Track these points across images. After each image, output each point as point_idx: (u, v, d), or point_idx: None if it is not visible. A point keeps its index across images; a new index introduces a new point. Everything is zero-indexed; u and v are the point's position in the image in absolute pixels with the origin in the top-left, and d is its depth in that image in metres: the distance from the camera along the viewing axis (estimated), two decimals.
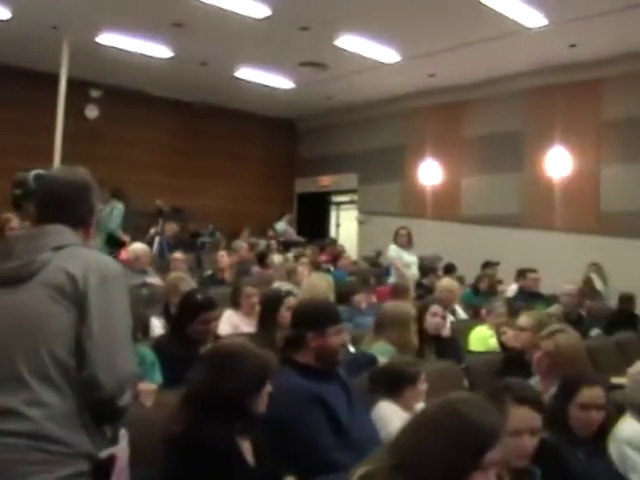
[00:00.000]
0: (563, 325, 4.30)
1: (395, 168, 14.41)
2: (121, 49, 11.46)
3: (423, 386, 3.53)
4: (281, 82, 13.55)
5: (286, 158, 17.18)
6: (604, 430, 3.20)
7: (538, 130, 12.11)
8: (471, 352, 5.59)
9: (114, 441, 2.38)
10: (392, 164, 14.43)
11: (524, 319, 4.78)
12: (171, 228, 10.46)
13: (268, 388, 2.67)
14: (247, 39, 10.88)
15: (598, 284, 10.32)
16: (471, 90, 12.97)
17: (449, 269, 10.53)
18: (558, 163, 11.82)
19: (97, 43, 11.18)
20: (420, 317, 4.93)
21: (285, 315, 4.34)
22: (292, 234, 14.59)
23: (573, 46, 10.73)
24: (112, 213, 10.15)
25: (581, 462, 2.98)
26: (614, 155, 11.18)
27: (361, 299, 6.58)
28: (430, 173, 13.86)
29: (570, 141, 11.68)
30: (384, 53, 11.45)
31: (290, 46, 11.25)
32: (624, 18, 9.32)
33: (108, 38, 11.09)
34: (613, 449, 3.39)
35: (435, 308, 5.15)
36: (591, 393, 3.09)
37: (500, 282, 9.38)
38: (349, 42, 10.92)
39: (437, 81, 12.97)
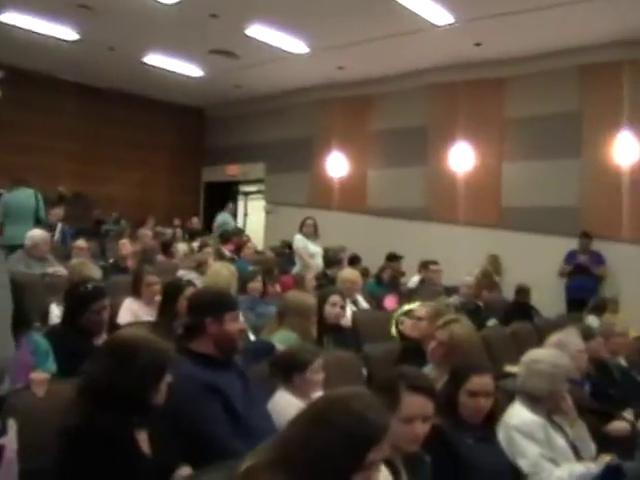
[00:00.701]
0: (458, 315, 4.42)
1: (302, 159, 14.45)
2: (25, 29, 11.06)
3: (317, 375, 3.55)
4: (191, 70, 13.40)
5: (194, 146, 16.99)
6: (493, 417, 3.32)
7: (443, 125, 12.35)
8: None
9: (2, 432, 2.33)
10: (300, 155, 14.47)
11: (421, 309, 4.89)
12: (55, 214, 10.10)
13: (167, 379, 2.64)
14: (156, 25, 10.69)
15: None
16: (379, 84, 13.11)
17: (353, 260, 10.64)
18: (462, 158, 12.09)
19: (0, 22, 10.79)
20: (320, 307, 4.99)
21: (184, 304, 4.31)
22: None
23: (478, 45, 10.98)
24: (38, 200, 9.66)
25: (469, 447, 3.08)
26: (515, 152, 11.53)
27: (255, 287, 6.56)
28: (337, 165, 13.96)
29: (474, 137, 11.97)
30: (294, 44, 11.45)
31: (200, 33, 11.11)
32: (529, 19, 9.60)
33: (11, 17, 10.69)
34: (502, 435, 3.52)
35: (334, 298, 5.22)
36: (480, 381, 3.19)
37: (403, 274, 9.55)
38: (259, 32, 10.87)
39: (346, 74, 13.06)
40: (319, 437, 1.77)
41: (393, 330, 5.52)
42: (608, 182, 10.49)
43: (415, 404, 2.59)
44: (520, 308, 8.44)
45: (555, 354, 3.82)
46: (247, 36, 10.98)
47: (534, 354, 3.78)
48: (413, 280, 9.53)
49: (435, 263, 9.33)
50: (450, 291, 8.56)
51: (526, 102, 11.47)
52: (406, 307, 5.44)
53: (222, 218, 13.68)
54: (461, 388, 3.18)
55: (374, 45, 11.05)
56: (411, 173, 12.65)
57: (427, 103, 12.61)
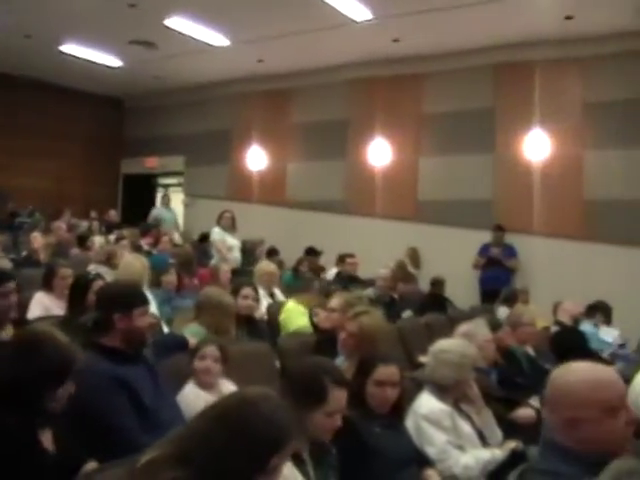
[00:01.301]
0: (368, 307, 4.49)
1: (222, 152, 14.36)
2: None
3: (203, 362, 3.56)
4: (109, 60, 13.13)
5: (112, 138, 16.64)
6: (400, 406, 3.39)
7: (362, 120, 12.46)
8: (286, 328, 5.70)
9: None
10: (219, 148, 14.38)
11: (334, 300, 4.96)
12: None
13: (69, 388, 2.55)
14: (75, 13, 10.42)
15: (411, 268, 10.86)
16: (299, 78, 13.13)
17: (271, 253, 10.68)
18: (380, 153, 12.22)
19: None
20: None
21: (93, 299, 4.25)
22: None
23: (396, 41, 11.11)
24: None
25: (377, 436, 3.15)
26: (432, 147, 11.71)
27: (170, 280, 6.51)
28: (256, 158, 13.92)
29: (392, 132, 12.10)
30: (214, 36, 11.34)
31: (119, 23, 10.89)
32: (446, 17, 9.76)
33: None
34: (411, 423, 3.60)
35: (246, 291, 5.26)
36: (386, 371, 3.26)
37: (322, 269, 9.62)
38: (178, 23, 10.73)
39: (265, 67, 13.03)
40: (223, 437, 1.76)
41: (306, 321, 5.59)
42: (520, 177, 10.81)
43: (340, 399, 2.67)
44: (435, 300, 8.61)
45: (462, 344, 3.92)
46: (167, 27, 10.83)
47: (442, 344, 3.87)
48: (330, 273, 9.62)
49: (352, 256, 9.44)
50: (367, 283, 8.66)
51: (443, 98, 11.67)
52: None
53: (156, 212, 13.38)
54: (368, 378, 3.25)
55: (294, 39, 11.06)
56: (330, 167, 12.73)
57: (346, 98, 12.70)
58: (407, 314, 7.83)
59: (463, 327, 4.66)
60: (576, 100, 10.51)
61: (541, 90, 10.78)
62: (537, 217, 10.63)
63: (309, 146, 13.08)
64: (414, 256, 11.18)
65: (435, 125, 11.66)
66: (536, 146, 10.69)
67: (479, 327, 4.76)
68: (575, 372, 2.17)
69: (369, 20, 10.15)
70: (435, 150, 11.64)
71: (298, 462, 2.50)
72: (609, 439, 2.04)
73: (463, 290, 10.14)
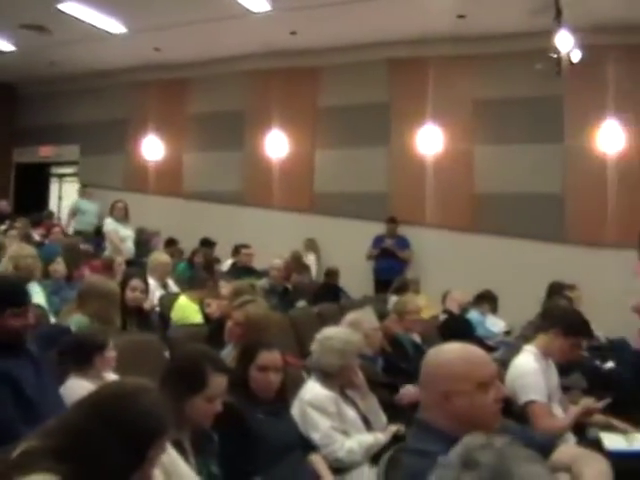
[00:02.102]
0: (254, 296, 4.54)
1: (118, 141, 14.07)
2: None
3: (111, 353, 3.55)
4: (0, 44, 12.66)
5: (4, 125, 16.04)
6: (284, 392, 3.46)
7: (259, 112, 12.48)
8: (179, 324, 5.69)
9: None
10: (115, 137, 14.07)
11: (224, 289, 4.99)
12: None
13: None
14: None
15: (311, 259, 11.02)
16: (196, 68, 13.01)
17: (170, 243, 10.60)
18: (276, 145, 12.29)
19: None
20: (122, 291, 4.96)
21: None
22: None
23: (294, 33, 11.17)
24: None
25: (260, 421, 3.20)
26: (327, 140, 11.88)
27: (56, 270, 6.39)
28: (153, 148, 13.73)
29: (288, 124, 12.20)
30: (110, 23, 11.11)
31: (10, 6, 10.51)
32: (342, 11, 9.91)
33: None
34: (297, 410, 3.68)
35: (134, 282, 5.22)
36: (269, 356, 3.32)
37: (217, 261, 9.62)
38: (73, 8, 10.44)
39: (163, 56, 12.84)
40: (97, 429, 1.75)
41: (200, 318, 5.60)
42: (413, 171, 11.13)
43: (220, 384, 2.71)
44: (328, 290, 8.76)
45: (346, 331, 4.03)
46: (60, 11, 10.52)
47: (327, 332, 3.96)
48: (226, 264, 9.63)
49: (247, 247, 9.48)
50: (263, 274, 8.72)
51: (338, 92, 11.84)
52: None
53: (76, 204, 12.55)
54: (251, 364, 3.30)
55: (191, 28, 10.95)
56: (227, 158, 12.69)
57: (243, 89, 12.69)
58: (301, 304, 7.93)
59: (351, 315, 4.77)
60: (467, 97, 10.88)
61: (434, 86, 11.11)
62: (429, 209, 10.98)
63: (206, 137, 13.00)
64: (313, 247, 11.33)
65: (331, 118, 11.82)
66: (429, 140, 11.02)
67: (366, 315, 4.89)
68: (450, 349, 2.30)
69: (267, 11, 10.19)
70: (331, 143, 11.80)
71: (179, 450, 2.53)
72: (480, 414, 2.16)
73: (358, 280, 10.36)
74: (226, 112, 12.74)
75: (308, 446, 3.50)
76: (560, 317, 4.16)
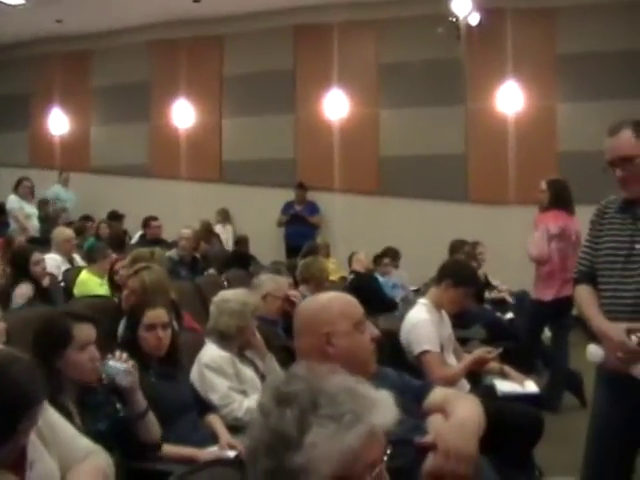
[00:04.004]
0: (149, 263, 4.54)
1: (21, 116, 13.56)
2: None
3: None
4: None
5: None
6: (175, 353, 3.50)
7: (165, 82, 12.29)
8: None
9: None
10: (18, 112, 13.56)
11: (127, 259, 4.98)
12: None
13: None
14: None
15: (228, 229, 11.03)
16: (99, 39, 12.66)
17: (114, 216, 10.47)
18: (183, 115, 12.15)
19: None
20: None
21: None
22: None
23: (197, 1, 11.03)
24: None
25: (152, 385, 3.23)
26: (234, 108, 11.81)
27: None
28: (58, 123, 13.38)
29: (194, 94, 12.06)
30: None
31: None
32: None
33: None
34: (195, 372, 3.73)
35: (36, 257, 5.16)
36: (155, 314, 3.37)
37: (124, 232, 9.53)
38: None
39: (65, 28, 12.42)
40: None
41: (106, 290, 5.56)
42: (320, 136, 11.21)
43: (86, 331, 2.76)
44: (239, 257, 8.80)
45: (243, 293, 4.07)
46: None
47: (223, 294, 4.00)
48: (135, 237, 9.56)
49: (155, 219, 9.41)
50: (172, 245, 8.68)
51: (244, 60, 11.73)
52: None
53: (54, 191, 11.82)
54: (139, 324, 3.34)
55: None
56: (133, 130, 12.46)
57: (148, 60, 12.45)
58: (211, 272, 7.95)
59: (253, 280, 4.82)
60: (371, 61, 11.00)
61: (339, 52, 11.14)
62: (337, 174, 11.09)
63: (112, 109, 12.70)
64: (227, 217, 11.34)
65: (237, 86, 11.74)
66: (335, 106, 11.10)
67: (270, 280, 4.94)
68: (322, 296, 2.41)
69: None
70: (238, 111, 11.74)
71: (64, 414, 2.54)
72: (360, 353, 2.26)
73: (269, 247, 10.45)
74: (131, 83, 12.46)
75: (207, 407, 3.55)
76: (449, 270, 4.30)
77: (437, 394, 2.41)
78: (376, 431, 1.33)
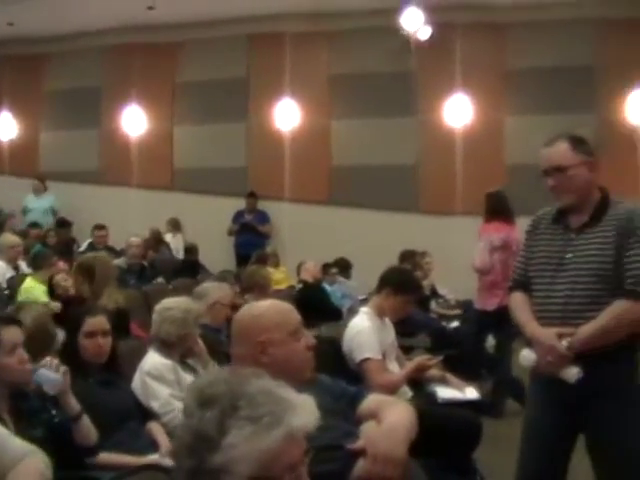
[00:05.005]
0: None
1: None
2: None
3: None
4: None
5: None
6: (115, 360, 3.50)
7: (116, 88, 12.14)
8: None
9: None
10: None
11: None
12: None
13: None
14: None
15: (178, 238, 10.98)
16: (52, 43, 12.45)
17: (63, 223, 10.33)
18: (135, 121, 12.05)
19: None
20: None
21: None
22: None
23: (151, 8, 10.94)
24: None
25: (93, 393, 3.22)
26: (187, 116, 11.78)
27: None
28: (7, 127, 13.12)
29: (147, 101, 11.97)
30: None
31: None
32: None
33: None
34: (137, 381, 3.73)
35: None
36: (94, 321, 3.37)
37: (73, 240, 9.45)
38: None
39: (16, 31, 12.22)
40: None
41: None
42: (272, 145, 11.28)
43: (12, 334, 2.74)
44: (188, 266, 8.78)
45: (185, 301, 4.08)
46: None
47: (166, 302, 4.01)
48: (84, 244, 9.48)
49: (103, 227, 9.35)
50: (121, 253, 8.64)
51: (197, 67, 11.72)
52: None
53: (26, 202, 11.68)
54: (79, 332, 3.33)
55: (46, 1, 10.56)
56: (84, 135, 12.27)
57: (100, 65, 12.29)
58: (160, 280, 7.93)
59: (198, 288, 4.83)
60: (323, 72, 11.11)
61: (292, 62, 11.23)
62: (288, 184, 11.18)
63: (63, 114, 12.51)
64: (177, 226, 11.28)
65: (190, 94, 11.73)
66: (287, 115, 11.17)
67: (215, 288, 4.96)
68: (259, 305, 2.45)
69: None
70: (190, 119, 11.72)
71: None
72: (295, 361, 2.29)
73: (219, 256, 10.44)
74: (83, 88, 12.29)
75: (148, 415, 3.54)
76: (390, 278, 4.37)
77: (371, 401, 2.45)
78: (295, 433, 1.36)
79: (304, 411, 1.40)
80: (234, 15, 11.02)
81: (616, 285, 2.81)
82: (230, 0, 10.43)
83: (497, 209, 6.16)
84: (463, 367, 5.38)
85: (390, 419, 2.23)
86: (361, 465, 2.02)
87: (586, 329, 2.77)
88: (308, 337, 2.40)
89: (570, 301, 2.85)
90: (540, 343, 2.85)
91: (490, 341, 6.57)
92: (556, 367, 2.79)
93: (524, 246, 3.17)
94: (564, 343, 2.77)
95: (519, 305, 3.07)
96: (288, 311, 2.40)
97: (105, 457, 3.02)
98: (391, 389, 3.86)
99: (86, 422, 2.92)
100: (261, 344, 2.25)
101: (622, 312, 2.77)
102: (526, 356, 2.94)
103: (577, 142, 2.95)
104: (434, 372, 4.47)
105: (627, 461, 2.85)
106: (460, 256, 8.41)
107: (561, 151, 2.93)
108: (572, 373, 2.76)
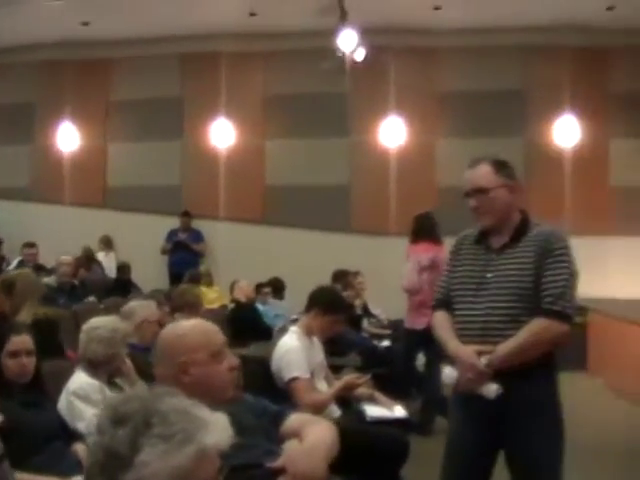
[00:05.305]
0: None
1: None
2: None
3: None
4: None
5: None
6: (40, 380, 3.45)
7: (50, 104, 11.94)
8: None
9: None
10: None
11: None
12: None
13: None
14: None
15: (111, 256, 10.83)
16: None
17: None
18: (68, 138, 11.88)
19: None
20: None
21: None
22: None
23: (86, 24, 10.86)
24: None
25: (18, 414, 3.17)
26: (120, 133, 11.68)
27: None
28: None
29: (80, 117, 11.80)
30: None
31: None
32: (136, 2, 9.90)
33: None
34: (63, 402, 3.67)
35: None
36: (18, 340, 3.30)
37: (3, 258, 9.25)
38: None
39: None
40: None
41: None
42: (207, 164, 11.30)
43: None
44: (121, 285, 8.70)
45: (113, 320, 4.05)
46: None
47: (93, 322, 3.96)
48: (14, 262, 9.29)
49: (31, 245, 9.18)
50: (52, 272, 8.48)
51: (132, 85, 11.64)
52: None
53: None
54: (2, 351, 3.27)
55: None
56: (14, 151, 11.99)
57: (34, 80, 12.02)
58: (91, 299, 7.82)
59: (126, 306, 4.79)
60: (258, 92, 11.20)
61: (227, 81, 11.30)
62: (222, 203, 11.20)
63: None
64: (109, 244, 11.14)
65: (124, 112, 11.63)
66: (222, 135, 11.21)
67: (145, 308, 4.91)
68: (184, 324, 2.46)
69: (58, 1, 9.84)
70: (124, 136, 11.62)
71: None
72: (215, 382, 2.30)
73: (153, 275, 10.36)
74: (15, 104, 12.04)
75: (74, 436, 3.49)
76: (318, 298, 4.43)
77: (293, 419, 2.48)
78: (207, 451, 1.38)
79: (217, 429, 1.41)
80: (169, 33, 11.00)
81: (534, 304, 2.89)
82: (165, 18, 10.41)
83: (425, 230, 6.31)
84: (393, 386, 5.45)
85: (310, 438, 2.26)
86: None
87: (505, 347, 2.84)
88: (231, 358, 2.42)
89: (490, 319, 2.93)
90: (460, 361, 2.92)
91: (421, 359, 6.66)
92: (476, 384, 2.86)
93: (447, 266, 3.25)
94: (483, 360, 2.84)
95: (441, 324, 3.14)
96: (212, 332, 2.40)
97: (29, 479, 2.97)
98: (319, 408, 3.89)
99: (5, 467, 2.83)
100: (183, 364, 2.26)
101: (539, 330, 2.86)
102: (448, 374, 3.01)
103: (499, 165, 3.04)
104: (363, 391, 4.52)
105: (540, 477, 2.94)
106: (393, 276, 8.51)
107: (483, 173, 3.02)
108: (491, 390, 2.83)
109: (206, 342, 2.32)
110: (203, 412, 1.43)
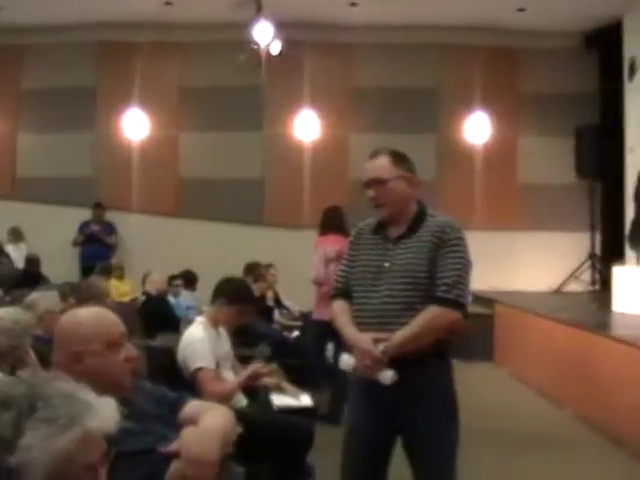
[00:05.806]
0: None
1: None
2: None
3: None
4: None
5: None
6: None
7: None
8: None
9: None
10: None
11: None
12: None
13: None
14: None
15: (21, 248, 10.56)
16: None
17: None
18: None
19: None
20: None
21: None
22: None
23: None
24: None
25: None
26: (32, 123, 11.37)
27: None
28: None
29: None
30: None
31: None
32: None
33: None
34: None
35: None
36: None
37: None
38: None
39: None
40: None
41: None
42: (120, 155, 11.16)
43: None
44: (30, 277, 8.52)
45: (15, 311, 3.99)
46: None
47: None
48: None
49: None
50: None
51: (43, 74, 11.33)
52: None
53: None
54: None
55: None
56: None
57: None
58: None
59: (28, 298, 4.73)
60: (173, 84, 11.12)
61: (141, 72, 11.16)
62: (135, 195, 11.07)
63: None
64: (18, 235, 10.86)
65: (35, 100, 11.31)
66: (135, 126, 11.08)
67: (47, 298, 4.85)
68: (82, 312, 2.43)
69: None
70: (35, 126, 11.31)
71: None
72: (111, 373, 2.28)
73: (64, 267, 10.16)
74: None
75: None
76: (224, 288, 4.47)
77: (191, 406, 2.52)
78: (92, 434, 1.40)
79: (103, 413, 1.44)
80: (83, 20, 10.81)
81: (430, 292, 2.98)
82: (81, 5, 10.21)
83: (332, 223, 6.43)
84: (304, 376, 5.54)
85: (205, 423, 2.30)
86: (174, 467, 2.08)
87: (399, 334, 2.93)
88: (129, 349, 2.41)
89: (386, 307, 3.01)
90: (357, 347, 2.99)
91: (331, 350, 6.75)
92: (372, 370, 2.93)
93: (347, 255, 3.30)
94: (380, 347, 2.92)
95: (339, 312, 3.21)
96: (110, 322, 2.37)
97: None
98: (224, 397, 3.92)
99: None
100: (77, 353, 2.24)
101: (432, 318, 2.95)
102: (345, 360, 3.08)
103: (397, 157, 3.13)
104: (270, 380, 4.57)
105: (435, 462, 3.04)
106: (305, 268, 8.67)
107: (381, 164, 3.10)
108: (387, 376, 2.91)
109: (103, 332, 2.30)
110: (89, 396, 1.46)
